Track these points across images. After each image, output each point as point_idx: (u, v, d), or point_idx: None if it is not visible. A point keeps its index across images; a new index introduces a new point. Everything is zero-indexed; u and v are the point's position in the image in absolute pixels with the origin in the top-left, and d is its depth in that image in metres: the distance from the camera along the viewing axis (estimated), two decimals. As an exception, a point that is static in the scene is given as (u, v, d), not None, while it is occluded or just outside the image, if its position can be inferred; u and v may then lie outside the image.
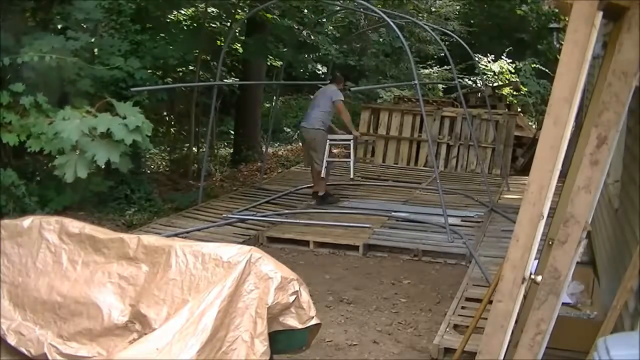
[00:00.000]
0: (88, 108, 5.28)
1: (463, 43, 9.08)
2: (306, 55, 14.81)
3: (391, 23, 7.75)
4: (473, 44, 9.51)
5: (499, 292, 2.81)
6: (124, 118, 4.99)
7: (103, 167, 5.55)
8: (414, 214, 8.00)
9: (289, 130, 15.65)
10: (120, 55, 7.69)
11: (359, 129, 12.37)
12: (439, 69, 16.65)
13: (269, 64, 13.61)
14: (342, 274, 6.27)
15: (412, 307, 5.50)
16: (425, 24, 11.21)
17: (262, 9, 9.95)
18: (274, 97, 11.96)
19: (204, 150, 12.30)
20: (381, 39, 15.17)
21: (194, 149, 11.27)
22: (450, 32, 10.12)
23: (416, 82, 7.68)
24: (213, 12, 11.62)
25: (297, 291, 3.11)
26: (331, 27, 14.76)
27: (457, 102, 12.69)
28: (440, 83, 15.06)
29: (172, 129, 12.08)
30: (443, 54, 12.13)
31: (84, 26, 7.37)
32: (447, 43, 15.11)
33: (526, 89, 13.92)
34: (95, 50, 7.81)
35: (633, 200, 3.97)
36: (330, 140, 8.44)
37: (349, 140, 8.60)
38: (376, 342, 4.80)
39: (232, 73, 14.19)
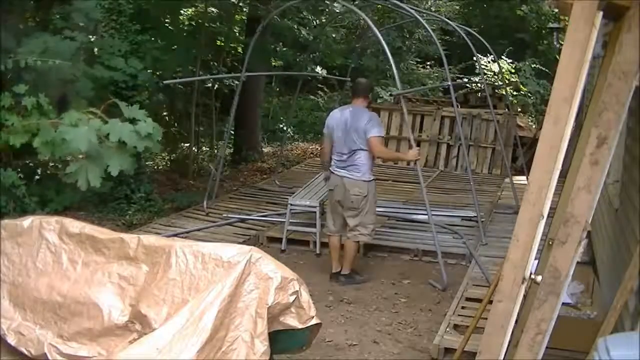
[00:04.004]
0: (93, 109, 5.24)
1: (469, 42, 9.09)
2: (306, 56, 14.82)
3: (422, 20, 7.89)
4: (473, 44, 9.48)
5: (499, 292, 2.81)
6: (132, 121, 4.96)
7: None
8: (414, 214, 8.00)
9: (288, 129, 15.65)
10: (120, 55, 7.70)
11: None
12: (440, 69, 16.63)
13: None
14: (342, 274, 6.27)
15: (412, 307, 5.50)
16: (441, 18, 11.30)
17: (268, 11, 9.92)
18: (290, 96, 11.88)
19: (204, 150, 12.33)
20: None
21: (194, 149, 11.26)
22: (462, 29, 10.08)
23: (449, 83, 7.95)
24: (213, 12, 11.62)
25: (297, 291, 3.11)
26: (330, 28, 14.75)
27: (457, 101, 12.69)
28: (467, 83, 14.89)
29: (172, 129, 12.07)
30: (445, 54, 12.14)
31: (84, 26, 7.37)
32: (446, 40, 15.12)
33: (526, 89, 13.90)
34: (95, 50, 7.82)
35: (633, 200, 3.97)
36: (292, 205, 6.79)
37: (315, 207, 6.75)
38: (376, 342, 4.80)
39: (232, 73, 14.19)
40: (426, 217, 7.76)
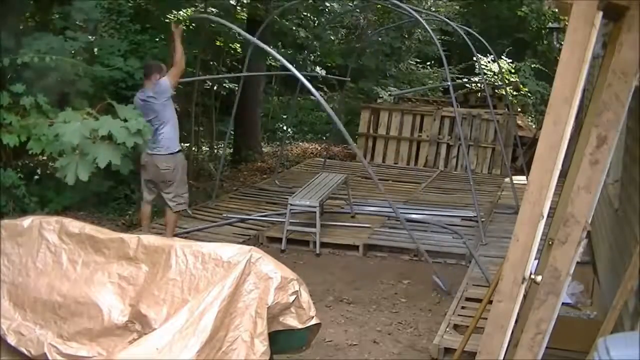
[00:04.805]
0: (89, 109, 5.26)
1: (469, 42, 9.10)
2: (305, 56, 14.85)
3: (421, 20, 7.89)
4: (473, 44, 9.50)
5: (499, 292, 2.81)
6: (125, 121, 4.98)
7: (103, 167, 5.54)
8: (414, 214, 8.00)
9: (288, 129, 15.67)
10: (120, 55, 7.70)
11: (359, 129, 12.38)
12: (439, 69, 16.64)
13: (268, 63, 13.62)
14: (342, 274, 6.27)
15: (412, 307, 5.50)
16: (439, 18, 11.33)
17: (268, 11, 9.93)
18: (291, 97, 11.87)
19: (204, 150, 12.31)
20: (380, 39, 15.16)
21: (194, 149, 11.25)
22: (462, 29, 10.09)
23: (449, 83, 7.94)
24: (212, 12, 11.62)
25: (297, 291, 3.11)
26: (330, 30, 14.76)
27: (457, 101, 12.70)
28: (467, 83, 14.89)
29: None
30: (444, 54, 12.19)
31: (84, 26, 7.38)
32: (446, 40, 15.10)
33: (526, 89, 13.91)
34: (95, 50, 7.82)
35: (633, 200, 3.97)
36: (292, 205, 6.85)
37: (315, 207, 6.79)
38: (376, 342, 4.80)
39: (232, 73, 14.20)
40: (425, 217, 7.82)
